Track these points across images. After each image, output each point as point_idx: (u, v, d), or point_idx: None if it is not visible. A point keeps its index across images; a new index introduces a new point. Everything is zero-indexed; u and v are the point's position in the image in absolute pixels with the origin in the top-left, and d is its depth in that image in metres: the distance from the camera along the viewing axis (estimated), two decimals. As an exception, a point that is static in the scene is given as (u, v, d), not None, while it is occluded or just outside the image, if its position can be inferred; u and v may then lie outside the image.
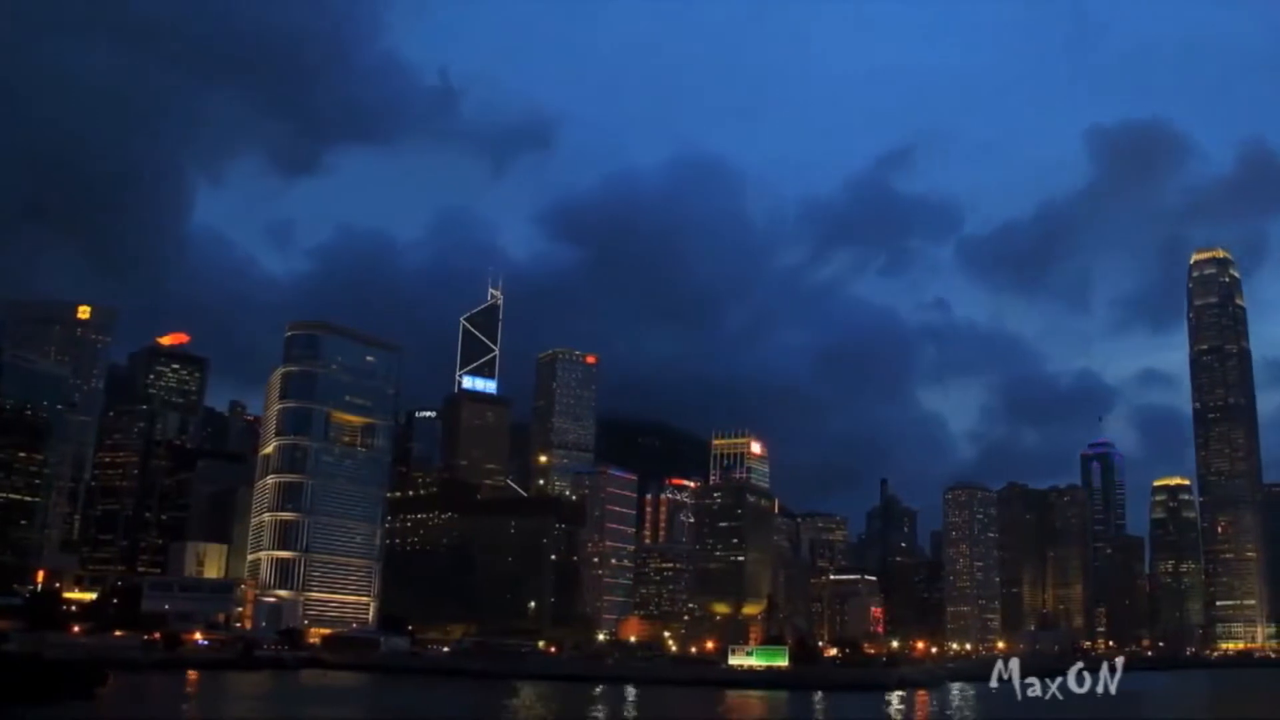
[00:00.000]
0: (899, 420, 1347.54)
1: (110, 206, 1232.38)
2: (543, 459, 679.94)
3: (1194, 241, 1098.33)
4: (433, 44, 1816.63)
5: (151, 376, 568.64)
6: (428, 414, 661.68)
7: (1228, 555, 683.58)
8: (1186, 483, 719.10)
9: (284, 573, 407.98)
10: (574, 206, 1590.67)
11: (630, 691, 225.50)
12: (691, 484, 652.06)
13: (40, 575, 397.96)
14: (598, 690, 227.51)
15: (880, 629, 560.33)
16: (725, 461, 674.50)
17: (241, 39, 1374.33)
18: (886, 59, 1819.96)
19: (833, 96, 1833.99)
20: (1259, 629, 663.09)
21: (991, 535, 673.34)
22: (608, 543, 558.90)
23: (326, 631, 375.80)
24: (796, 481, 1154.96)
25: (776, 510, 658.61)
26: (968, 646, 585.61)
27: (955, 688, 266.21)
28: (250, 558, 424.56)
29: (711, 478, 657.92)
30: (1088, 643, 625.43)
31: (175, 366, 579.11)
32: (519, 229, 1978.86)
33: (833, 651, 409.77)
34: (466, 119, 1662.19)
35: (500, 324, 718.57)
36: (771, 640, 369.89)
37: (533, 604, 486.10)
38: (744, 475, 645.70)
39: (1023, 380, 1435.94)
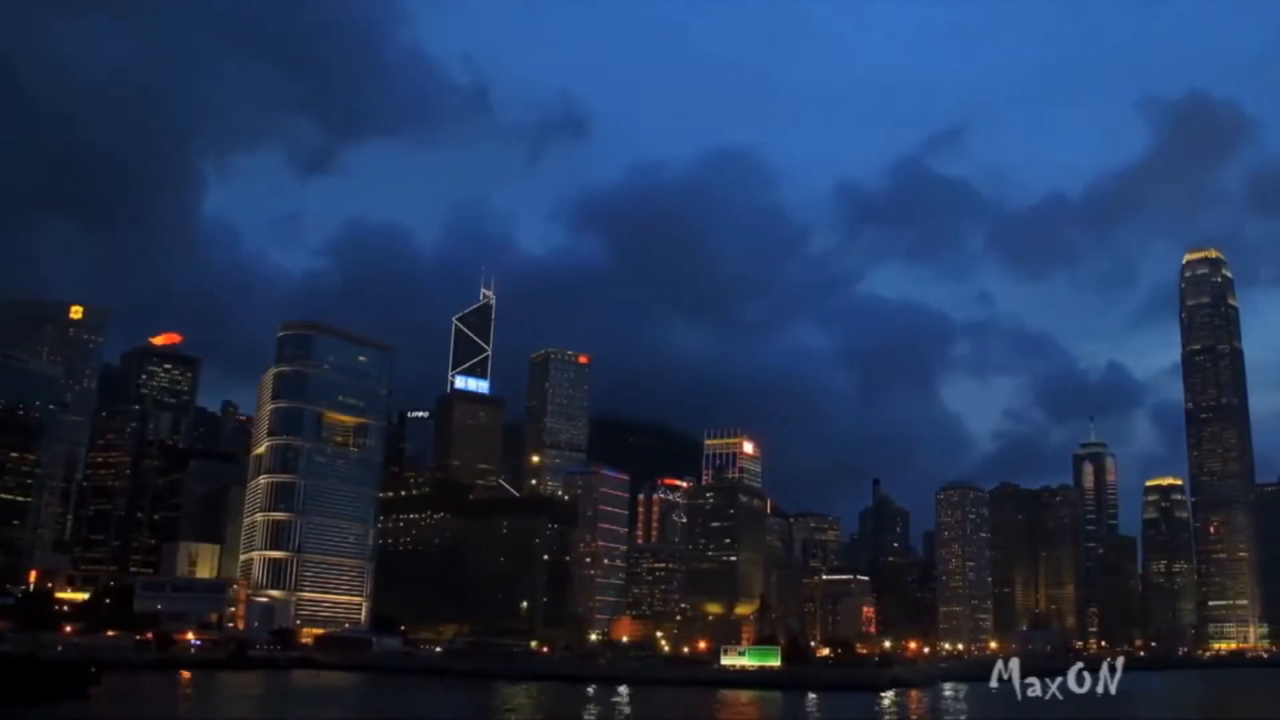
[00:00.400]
0: (913, 419, 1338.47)
1: (119, 203, 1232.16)
2: (535, 459, 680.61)
3: (1248, 232, 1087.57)
4: (456, 36, 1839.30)
5: (144, 376, 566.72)
6: (420, 414, 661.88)
7: (1220, 555, 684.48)
8: (1179, 483, 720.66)
9: (276, 573, 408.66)
10: (594, 202, 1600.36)
11: (623, 692, 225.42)
12: (684, 484, 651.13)
13: (33, 575, 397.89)
14: (590, 690, 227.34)
15: (872, 629, 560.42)
16: (717, 461, 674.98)
17: (259, 28, 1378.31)
18: (927, 43, 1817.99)
19: (864, 88, 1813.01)
20: (1251, 629, 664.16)
21: (984, 535, 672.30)
22: (600, 543, 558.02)
23: (319, 632, 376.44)
24: (801, 481, 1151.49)
25: (769, 510, 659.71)
26: (960, 647, 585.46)
27: (948, 687, 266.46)
28: (242, 558, 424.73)
29: (704, 477, 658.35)
30: (1080, 643, 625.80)
31: (167, 366, 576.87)
32: (534, 226, 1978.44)
33: (825, 651, 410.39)
34: (485, 113, 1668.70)
35: (492, 324, 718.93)
36: (764, 640, 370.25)
37: (525, 604, 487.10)
38: (736, 475, 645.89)
39: (1049, 376, 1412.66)
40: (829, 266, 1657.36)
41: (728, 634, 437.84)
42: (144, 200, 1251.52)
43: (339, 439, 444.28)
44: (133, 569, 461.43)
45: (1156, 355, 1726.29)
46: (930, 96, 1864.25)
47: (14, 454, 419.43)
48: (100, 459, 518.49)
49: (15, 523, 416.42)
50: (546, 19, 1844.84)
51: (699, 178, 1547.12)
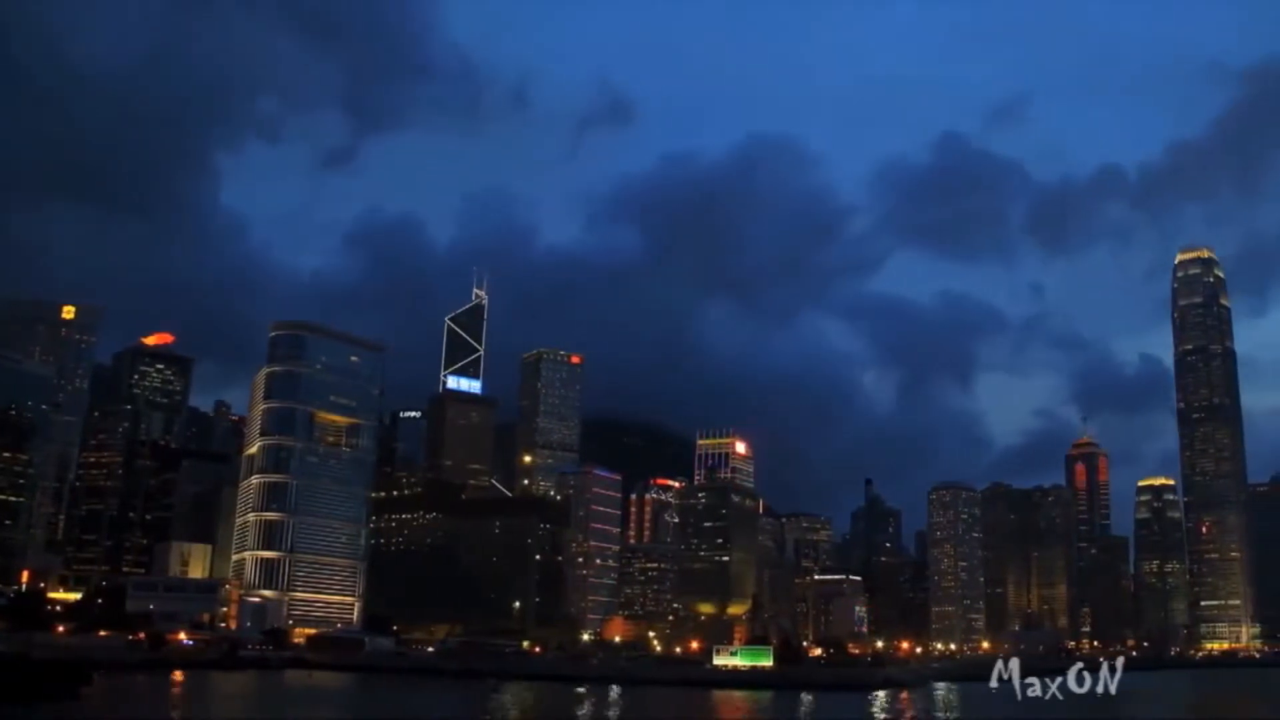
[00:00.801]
0: (924, 418, 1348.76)
1: (127, 197, 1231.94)
2: (527, 459, 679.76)
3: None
4: (491, 25, 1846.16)
5: (136, 376, 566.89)
6: (412, 414, 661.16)
7: (1212, 555, 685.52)
8: (1171, 483, 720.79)
9: (268, 573, 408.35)
10: (615, 194, 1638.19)
11: (615, 691, 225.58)
12: (676, 484, 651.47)
13: (25, 575, 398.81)
14: (582, 690, 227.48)
15: (865, 629, 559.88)
16: (710, 461, 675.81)
17: (278, 12, 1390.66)
18: (968, 29, 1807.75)
19: (903, 77, 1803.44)
20: (1243, 629, 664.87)
21: (976, 535, 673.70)
22: (592, 543, 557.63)
23: (311, 632, 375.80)
24: (804, 481, 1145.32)
25: (761, 510, 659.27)
26: (952, 647, 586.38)
27: (940, 687, 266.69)
28: (235, 558, 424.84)
29: (696, 477, 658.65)
30: (1072, 643, 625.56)
31: (160, 366, 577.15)
32: (558, 220, 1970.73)
33: (817, 651, 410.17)
34: (519, 104, 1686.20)
35: (485, 324, 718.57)
36: (756, 640, 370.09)
37: (517, 604, 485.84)
38: (728, 475, 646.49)
39: (1084, 371, 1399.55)
40: (857, 255, 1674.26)
41: (720, 634, 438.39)
42: (154, 195, 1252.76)
43: (331, 439, 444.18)
44: (125, 569, 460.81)
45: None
46: (964, 89, 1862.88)
47: (6, 454, 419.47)
48: (92, 459, 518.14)
49: (7, 523, 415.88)
50: (583, 8, 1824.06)
51: (728, 169, 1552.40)
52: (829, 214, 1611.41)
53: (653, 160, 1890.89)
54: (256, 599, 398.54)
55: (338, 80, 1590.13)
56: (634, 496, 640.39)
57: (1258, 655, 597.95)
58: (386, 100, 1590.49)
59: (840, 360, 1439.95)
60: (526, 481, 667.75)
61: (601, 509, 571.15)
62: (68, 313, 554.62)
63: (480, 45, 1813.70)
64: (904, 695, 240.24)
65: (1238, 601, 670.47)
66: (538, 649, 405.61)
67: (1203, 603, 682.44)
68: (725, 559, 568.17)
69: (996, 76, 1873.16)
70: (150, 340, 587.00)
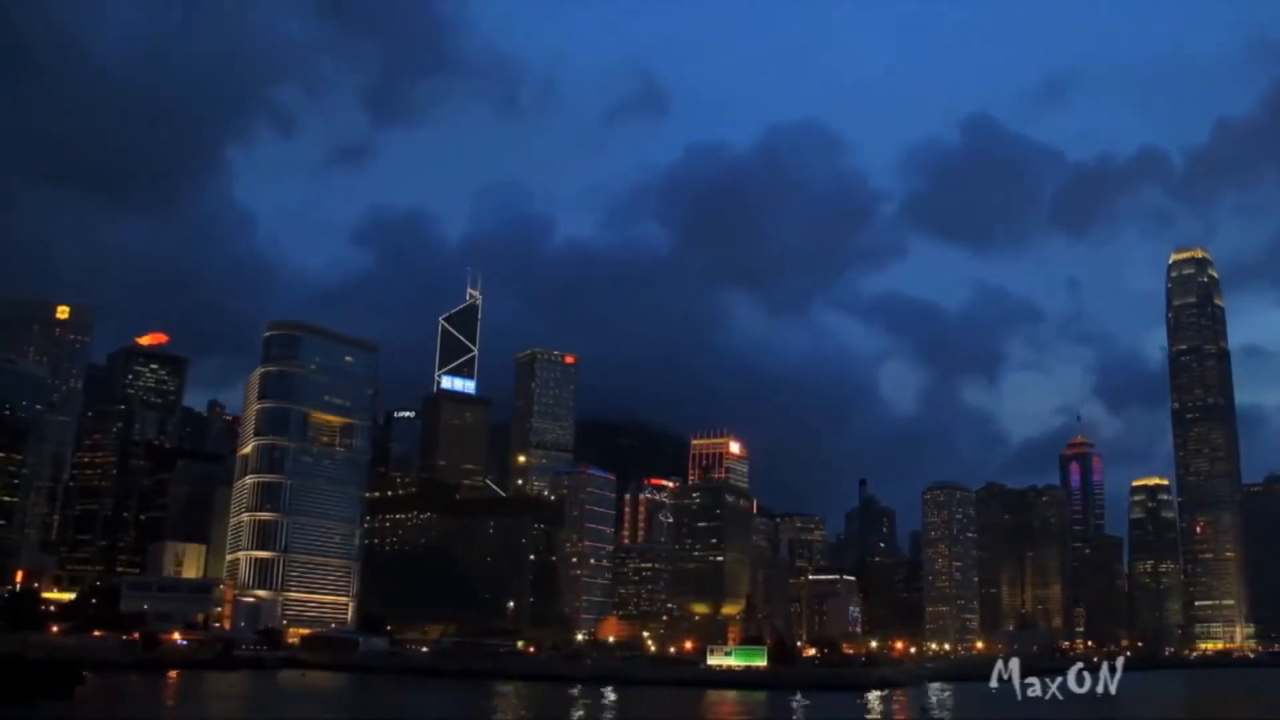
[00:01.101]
0: (946, 415, 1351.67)
1: (130, 195, 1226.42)
2: (521, 459, 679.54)
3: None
4: (507, 17, 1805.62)
5: (130, 376, 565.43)
6: (407, 414, 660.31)
7: (1206, 555, 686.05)
8: (1165, 483, 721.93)
9: (262, 573, 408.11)
10: (639, 187, 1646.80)
11: (609, 692, 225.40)
12: (670, 484, 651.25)
13: (19, 575, 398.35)
14: (576, 690, 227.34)
15: (859, 629, 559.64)
16: (704, 461, 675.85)
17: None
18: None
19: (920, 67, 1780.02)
20: (1238, 629, 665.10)
21: (970, 535, 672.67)
22: (586, 543, 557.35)
23: (305, 631, 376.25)
24: (802, 480, 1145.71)
25: (755, 510, 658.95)
26: (946, 647, 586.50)
27: (934, 687, 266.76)
28: (229, 558, 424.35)
29: (690, 478, 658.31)
30: (1066, 643, 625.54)
31: (154, 366, 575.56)
32: (572, 214, 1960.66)
33: (811, 651, 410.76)
34: (527, 99, 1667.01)
35: (479, 324, 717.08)
36: (750, 640, 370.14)
37: (511, 604, 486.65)
38: (722, 475, 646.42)
39: (1107, 367, 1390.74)
40: (879, 245, 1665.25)
41: (714, 634, 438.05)
42: (161, 190, 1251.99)
43: (325, 439, 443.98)
44: (119, 569, 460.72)
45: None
46: (997, 75, 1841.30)
47: (0, 454, 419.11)
48: (86, 459, 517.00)
49: (1, 523, 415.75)
50: (607, 1, 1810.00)
51: (754, 159, 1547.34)
52: (855, 202, 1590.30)
53: (678, 152, 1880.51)
54: (251, 599, 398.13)
55: (359, 70, 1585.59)
56: (628, 496, 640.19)
57: (1252, 655, 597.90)
58: (408, 92, 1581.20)
59: (847, 356, 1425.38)
60: (521, 481, 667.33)
61: (596, 509, 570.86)
62: (62, 312, 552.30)
63: (506, 37, 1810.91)
64: (899, 695, 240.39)
65: (1232, 602, 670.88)
66: (532, 649, 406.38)
67: (1197, 603, 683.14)
68: (719, 559, 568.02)
69: (1031, 60, 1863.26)
70: (144, 340, 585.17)
